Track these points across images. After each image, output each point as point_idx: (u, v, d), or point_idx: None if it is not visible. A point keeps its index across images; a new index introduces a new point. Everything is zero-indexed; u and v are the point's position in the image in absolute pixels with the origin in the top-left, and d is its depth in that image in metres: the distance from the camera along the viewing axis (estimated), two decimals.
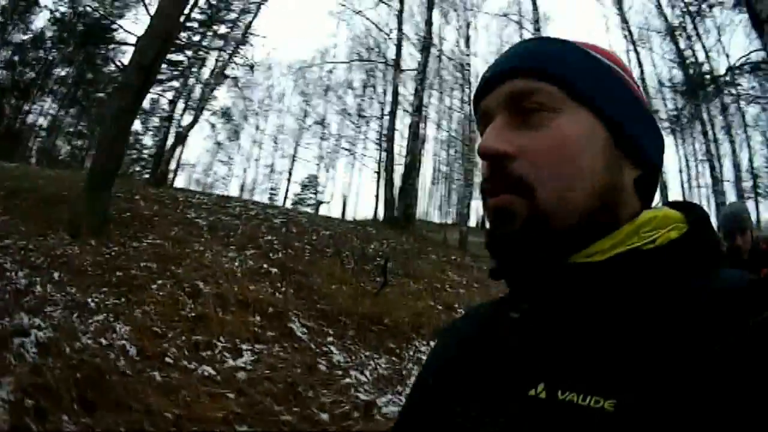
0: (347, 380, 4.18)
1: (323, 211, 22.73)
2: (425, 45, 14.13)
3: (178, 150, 14.99)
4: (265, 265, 6.57)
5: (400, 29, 15.15)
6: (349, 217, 21.95)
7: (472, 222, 21.24)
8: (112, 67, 18.85)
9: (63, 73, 21.55)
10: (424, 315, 6.23)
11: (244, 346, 4.18)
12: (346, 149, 23.59)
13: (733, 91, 14.74)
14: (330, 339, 4.94)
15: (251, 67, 16.36)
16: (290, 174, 28.04)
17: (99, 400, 2.85)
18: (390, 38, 15.26)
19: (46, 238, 5.90)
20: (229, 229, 8.11)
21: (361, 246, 9.42)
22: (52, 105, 21.99)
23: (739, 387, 0.33)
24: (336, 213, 24.05)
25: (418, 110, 13.44)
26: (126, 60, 10.23)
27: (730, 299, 0.38)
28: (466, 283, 9.09)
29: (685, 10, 15.16)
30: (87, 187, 6.82)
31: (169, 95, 17.84)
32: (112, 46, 17.66)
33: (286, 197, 27.42)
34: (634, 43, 16.54)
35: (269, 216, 10.48)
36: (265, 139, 27.92)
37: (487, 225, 0.49)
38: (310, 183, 29.57)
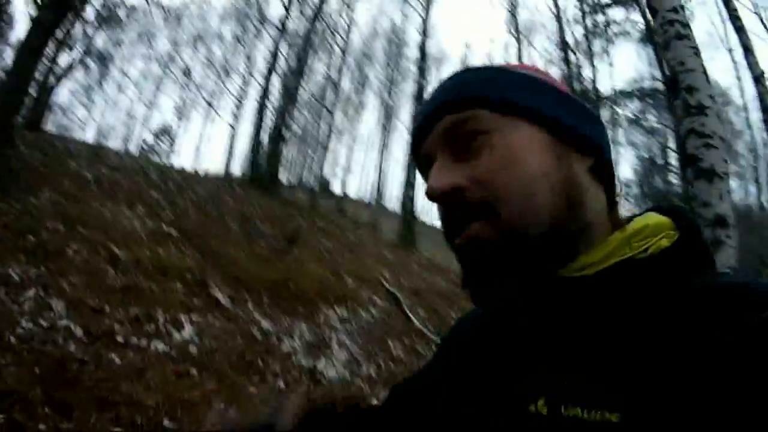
0: (285, 347, 4.46)
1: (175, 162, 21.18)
2: (315, 13, 13.65)
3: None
4: (164, 226, 6.14)
5: None
6: (199, 169, 20.82)
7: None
8: None
9: None
10: (323, 281, 6.67)
11: (181, 318, 4.10)
12: (207, 102, 21.68)
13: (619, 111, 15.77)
14: (251, 306, 5.06)
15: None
16: (146, 122, 25.82)
17: (72, 398, 2.59)
18: None
19: None
20: (113, 183, 7.24)
21: (239, 209, 9.21)
22: None
23: (744, 388, 0.33)
24: (187, 165, 22.47)
25: (300, 74, 13.08)
26: None
27: (727, 298, 0.38)
28: (348, 250, 9.72)
29: (584, 33, 15.79)
30: None
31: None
32: None
33: (142, 147, 24.78)
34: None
35: (143, 169, 9.51)
36: (128, 84, 24.98)
37: (460, 266, 0.48)
38: (163, 133, 26.52)
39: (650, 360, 0.37)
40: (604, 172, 0.50)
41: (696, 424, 0.33)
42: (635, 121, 15.44)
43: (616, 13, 15.12)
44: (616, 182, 0.51)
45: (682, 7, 3.24)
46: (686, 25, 3.12)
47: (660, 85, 12.25)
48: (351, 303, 6.40)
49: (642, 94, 13.92)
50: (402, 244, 13.71)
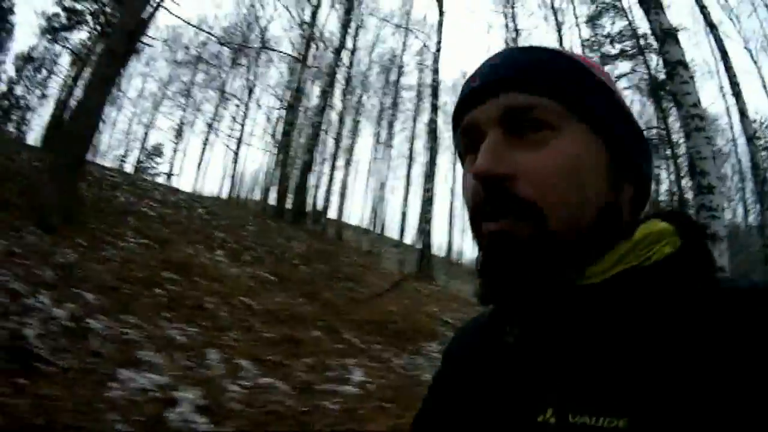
0: (424, 378, 4.92)
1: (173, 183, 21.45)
2: (339, 47, 14.39)
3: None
4: (262, 273, 6.53)
5: (312, 24, 15.12)
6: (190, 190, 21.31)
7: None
8: None
9: None
10: (408, 318, 7.13)
11: (345, 362, 4.52)
12: (209, 125, 21.99)
13: None
14: (379, 346, 5.50)
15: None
16: (144, 141, 26.21)
17: None
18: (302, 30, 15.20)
19: (21, 234, 4.81)
20: (173, 220, 7.62)
21: (292, 246, 9.62)
22: None
23: (751, 393, 0.33)
24: (185, 186, 22.80)
25: (321, 112, 13.70)
26: None
27: (732, 303, 0.38)
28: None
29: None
30: (56, 166, 5.74)
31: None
32: None
33: (137, 165, 24.80)
34: None
35: (182, 201, 9.90)
36: (126, 102, 25.63)
37: (479, 251, 0.47)
38: (155, 152, 26.46)
39: (656, 366, 0.37)
40: (642, 203, 0.49)
41: (704, 428, 0.33)
42: None
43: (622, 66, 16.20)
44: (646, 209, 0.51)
45: (699, 101, 4.24)
46: (703, 118, 4.12)
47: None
48: (440, 337, 6.89)
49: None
50: (421, 276, 14.21)
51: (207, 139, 24.20)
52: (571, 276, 0.44)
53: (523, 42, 17.15)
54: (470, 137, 0.48)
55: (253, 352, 4.09)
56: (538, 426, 0.41)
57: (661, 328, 0.39)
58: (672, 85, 4.45)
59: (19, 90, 24.38)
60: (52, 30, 18.48)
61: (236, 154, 21.51)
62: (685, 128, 4.33)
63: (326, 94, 13.84)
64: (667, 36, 4.47)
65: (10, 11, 21.71)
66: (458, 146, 0.51)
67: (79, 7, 16.61)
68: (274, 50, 15.78)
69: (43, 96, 22.62)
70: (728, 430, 0.33)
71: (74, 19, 17.10)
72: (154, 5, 7.37)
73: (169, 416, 2.85)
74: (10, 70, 23.16)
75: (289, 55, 15.28)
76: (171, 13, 8.85)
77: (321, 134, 13.92)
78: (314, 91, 16.75)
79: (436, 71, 15.03)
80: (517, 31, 18.05)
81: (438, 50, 14.85)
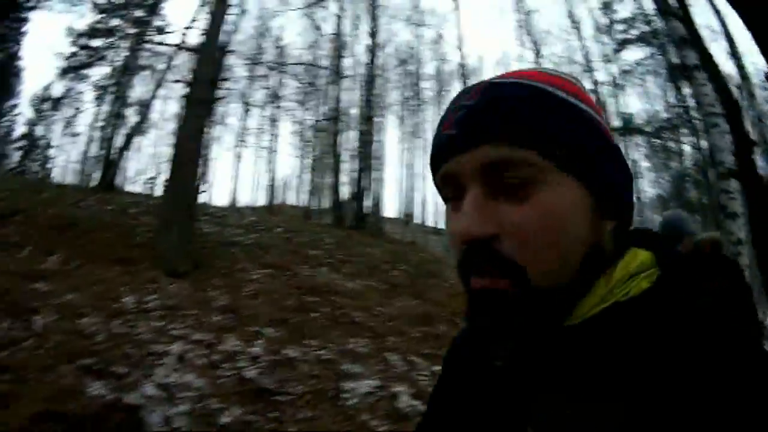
0: None
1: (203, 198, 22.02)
2: (371, 52, 15.01)
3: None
4: (369, 282, 7.38)
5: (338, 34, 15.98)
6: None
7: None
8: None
9: None
10: None
11: None
12: (240, 137, 23.17)
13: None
14: None
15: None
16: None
17: None
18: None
19: (159, 285, 5.55)
20: (266, 246, 8.40)
21: (372, 253, 10.39)
22: None
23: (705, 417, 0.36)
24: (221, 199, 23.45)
25: (368, 119, 14.42)
26: None
27: (701, 337, 0.40)
28: None
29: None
30: (168, 215, 6.39)
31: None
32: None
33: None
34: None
35: (256, 223, 10.82)
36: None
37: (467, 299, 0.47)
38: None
39: (624, 396, 0.39)
40: (624, 233, 0.49)
41: None
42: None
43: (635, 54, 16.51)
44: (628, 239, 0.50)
45: (717, 99, 4.84)
46: (719, 115, 4.71)
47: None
48: None
49: (670, 125, 15.91)
50: None
51: (237, 151, 24.74)
52: (556, 320, 0.46)
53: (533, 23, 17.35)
54: (451, 186, 0.47)
55: (417, 349, 4.93)
56: None
57: (632, 361, 0.41)
58: (691, 86, 5.02)
59: (39, 130, 25.70)
60: (72, 69, 19.03)
61: (270, 162, 22.44)
62: (704, 125, 4.89)
63: (369, 102, 14.45)
64: (684, 42, 5.03)
65: (17, 57, 22.84)
66: (439, 191, 0.51)
67: (95, 44, 17.11)
68: (322, 68, 16.37)
69: (74, 135, 23.40)
70: None
71: (94, 56, 17.57)
72: (225, 51, 7.96)
73: (398, 406, 3.71)
74: (27, 111, 24.30)
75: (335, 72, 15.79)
76: (230, 52, 9.27)
77: (370, 139, 14.59)
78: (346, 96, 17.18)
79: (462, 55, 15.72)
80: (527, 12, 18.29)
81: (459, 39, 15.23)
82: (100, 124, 18.70)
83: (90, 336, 4.03)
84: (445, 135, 0.47)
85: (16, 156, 25.45)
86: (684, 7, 5.24)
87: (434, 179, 0.50)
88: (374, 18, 15.22)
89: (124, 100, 14.78)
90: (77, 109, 22.63)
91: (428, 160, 0.51)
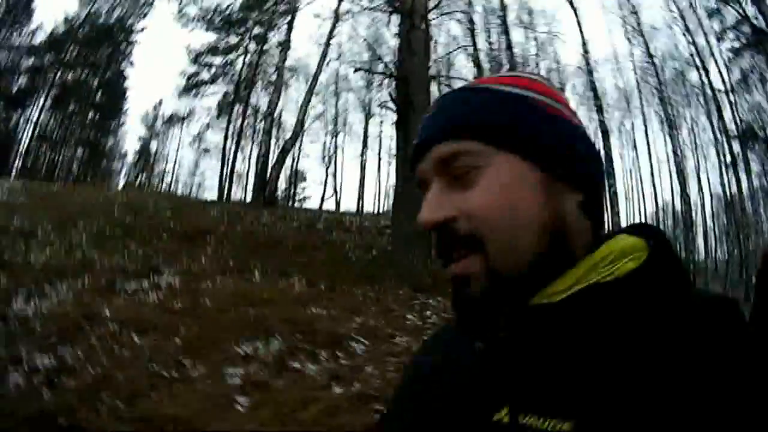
0: None
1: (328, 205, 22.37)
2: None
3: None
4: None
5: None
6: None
7: None
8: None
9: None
10: None
11: None
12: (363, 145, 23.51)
13: None
14: None
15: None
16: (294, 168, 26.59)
17: None
18: None
19: (421, 300, 5.41)
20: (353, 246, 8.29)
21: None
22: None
23: (690, 404, 0.36)
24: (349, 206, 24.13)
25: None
26: None
27: (684, 316, 0.41)
28: None
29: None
30: (407, 232, 6.39)
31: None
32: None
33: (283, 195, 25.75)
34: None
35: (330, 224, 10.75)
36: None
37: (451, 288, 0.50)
38: (299, 178, 28.06)
39: (602, 374, 0.40)
40: (594, 206, 0.50)
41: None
42: None
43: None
44: (605, 214, 0.52)
45: None
46: None
47: None
48: None
49: None
50: None
51: (362, 158, 24.62)
52: (527, 293, 0.46)
53: None
54: (423, 187, 0.52)
55: None
56: (493, 425, 0.44)
57: (612, 340, 0.41)
58: None
59: (154, 145, 27.43)
60: (194, 86, 20.25)
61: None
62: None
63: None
64: None
65: (124, 77, 24.92)
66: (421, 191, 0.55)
67: (217, 61, 18.40)
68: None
69: (206, 151, 24.14)
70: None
71: (213, 73, 18.79)
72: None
73: None
74: (139, 129, 25.91)
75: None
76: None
77: None
78: None
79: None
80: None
81: None
82: (230, 141, 19.80)
83: None
84: (413, 144, 0.53)
85: (129, 170, 27.20)
86: None
87: (419, 189, 0.54)
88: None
89: (273, 118, 15.24)
90: (207, 125, 23.10)
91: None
